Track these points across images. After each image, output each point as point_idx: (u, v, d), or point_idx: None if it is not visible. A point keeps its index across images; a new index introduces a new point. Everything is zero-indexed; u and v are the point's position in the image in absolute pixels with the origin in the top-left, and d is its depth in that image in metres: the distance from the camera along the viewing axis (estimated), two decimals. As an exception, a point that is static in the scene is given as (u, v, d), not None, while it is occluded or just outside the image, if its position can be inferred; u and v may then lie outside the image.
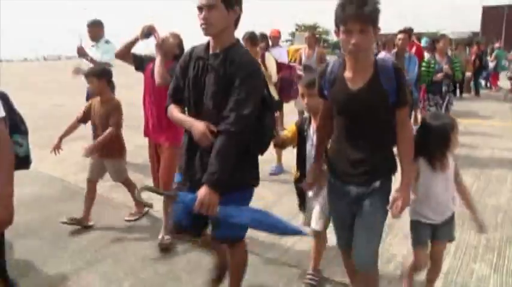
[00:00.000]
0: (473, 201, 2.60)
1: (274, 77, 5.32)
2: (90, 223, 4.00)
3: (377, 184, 2.20)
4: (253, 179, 2.40)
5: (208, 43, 2.29)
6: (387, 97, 2.08)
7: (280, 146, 2.97)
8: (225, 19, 2.17)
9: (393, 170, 2.24)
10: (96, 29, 5.78)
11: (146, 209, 4.22)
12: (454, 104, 6.16)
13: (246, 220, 2.26)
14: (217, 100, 2.19)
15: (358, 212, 2.26)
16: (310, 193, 2.82)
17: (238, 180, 2.27)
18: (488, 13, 51.46)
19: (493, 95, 13.60)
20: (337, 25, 2.04)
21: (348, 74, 2.15)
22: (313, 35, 8.64)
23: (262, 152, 2.43)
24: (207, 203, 2.11)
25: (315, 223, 2.82)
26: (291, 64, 5.71)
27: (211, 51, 2.26)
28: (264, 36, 7.31)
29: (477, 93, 13.44)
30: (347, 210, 2.32)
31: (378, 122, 2.15)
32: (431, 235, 2.55)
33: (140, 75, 3.68)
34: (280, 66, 5.53)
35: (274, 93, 5.13)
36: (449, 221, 2.55)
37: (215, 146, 2.12)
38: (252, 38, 5.21)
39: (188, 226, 2.44)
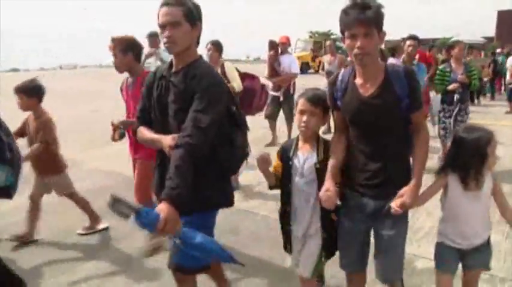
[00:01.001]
0: None
1: (238, 88, 5.07)
2: (36, 238, 4.02)
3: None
4: (224, 199, 2.33)
5: (171, 62, 2.26)
6: (400, 102, 2.04)
7: (276, 186, 2.47)
8: (189, 36, 2.15)
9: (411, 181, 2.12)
10: (155, 39, 6.74)
11: (102, 226, 4.22)
12: (470, 113, 5.85)
13: (199, 243, 2.05)
14: (181, 118, 2.11)
15: (376, 228, 2.20)
16: (296, 232, 2.42)
17: (208, 200, 2.21)
18: (503, 17, 50.66)
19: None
20: (342, 31, 2.03)
21: (358, 80, 2.12)
22: (334, 42, 8.70)
23: (233, 173, 2.39)
24: (170, 221, 1.92)
25: (303, 268, 2.43)
26: (254, 74, 5.53)
27: (173, 69, 2.22)
28: (273, 44, 7.23)
29: (493, 97, 13.52)
30: (361, 225, 2.24)
31: (392, 129, 2.11)
32: (460, 261, 2.32)
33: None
34: (242, 76, 5.31)
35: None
36: (481, 248, 2.28)
37: (172, 160, 2.02)
38: (216, 44, 5.19)
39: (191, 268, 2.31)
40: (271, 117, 7.53)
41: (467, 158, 2.15)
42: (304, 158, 2.33)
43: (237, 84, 5.05)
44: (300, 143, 2.37)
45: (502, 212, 2.28)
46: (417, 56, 7.12)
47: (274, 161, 2.41)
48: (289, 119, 7.32)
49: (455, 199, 2.23)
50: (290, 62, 7.32)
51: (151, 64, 6.62)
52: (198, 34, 2.22)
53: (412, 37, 6.02)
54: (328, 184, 2.12)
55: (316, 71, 29.61)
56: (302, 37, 36.87)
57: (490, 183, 2.23)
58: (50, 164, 3.91)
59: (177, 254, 2.25)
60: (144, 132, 2.31)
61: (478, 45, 18.05)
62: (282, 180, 2.40)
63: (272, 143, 7.38)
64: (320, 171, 2.25)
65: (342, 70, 2.28)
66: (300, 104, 2.31)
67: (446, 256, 2.32)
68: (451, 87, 5.55)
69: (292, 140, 2.45)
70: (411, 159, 2.17)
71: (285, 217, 2.45)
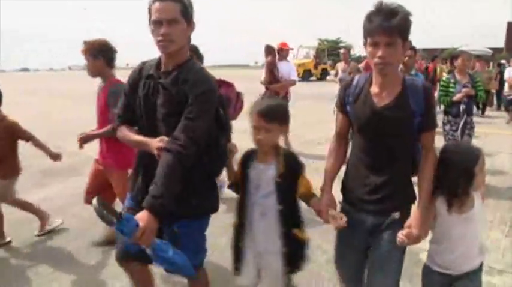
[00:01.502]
0: None
1: None
2: (7, 240, 3.96)
3: (396, 215, 2.02)
4: (213, 206, 2.23)
5: (159, 60, 2.11)
6: (414, 118, 1.95)
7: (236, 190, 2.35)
8: (185, 35, 2.03)
9: (414, 200, 2.06)
10: None
11: (56, 224, 4.22)
12: (475, 127, 5.55)
13: (170, 258, 1.96)
14: (171, 122, 2.00)
15: (374, 246, 2.08)
16: (254, 248, 2.29)
17: (197, 208, 2.13)
18: (513, 29, 50.32)
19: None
20: (364, 37, 1.91)
21: (374, 89, 2.01)
22: (348, 51, 8.70)
23: (217, 175, 2.27)
24: (147, 232, 1.82)
25: (246, 277, 2.31)
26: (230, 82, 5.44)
27: (163, 69, 2.08)
28: (270, 49, 7.03)
29: (499, 107, 13.53)
30: (360, 242, 2.13)
31: (400, 143, 2.01)
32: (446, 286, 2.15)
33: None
34: (218, 83, 5.12)
35: None
36: (472, 275, 2.12)
37: (160, 166, 1.90)
38: (192, 50, 4.96)
39: (137, 253, 2.11)
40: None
41: (455, 178, 2.01)
42: (262, 169, 2.21)
43: None
44: (259, 154, 2.24)
45: None
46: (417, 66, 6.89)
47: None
48: None
49: (443, 221, 2.10)
50: (289, 69, 7.15)
51: None
52: (191, 33, 2.11)
53: (410, 47, 5.74)
54: (326, 187, 2.10)
55: (319, 79, 29.63)
56: (305, 44, 36.72)
57: (479, 202, 2.11)
58: (3, 167, 3.81)
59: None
60: (128, 133, 2.17)
61: (486, 56, 17.74)
62: (242, 186, 2.27)
63: None
64: (280, 185, 2.15)
65: (357, 76, 2.17)
66: (253, 119, 2.15)
67: (434, 280, 2.18)
68: (456, 97, 5.24)
69: (252, 151, 2.30)
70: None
71: (241, 231, 2.29)
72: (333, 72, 11.32)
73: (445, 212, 2.07)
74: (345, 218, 2.03)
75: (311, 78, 29.66)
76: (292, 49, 7.61)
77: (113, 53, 3.39)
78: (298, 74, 7.57)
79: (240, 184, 2.28)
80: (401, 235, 1.93)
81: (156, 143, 1.96)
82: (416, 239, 1.93)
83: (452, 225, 2.07)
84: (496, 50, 31.77)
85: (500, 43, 50.75)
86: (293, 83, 7.24)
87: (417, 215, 1.96)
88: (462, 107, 5.24)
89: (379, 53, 1.84)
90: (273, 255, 2.22)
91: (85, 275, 3.38)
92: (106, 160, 3.46)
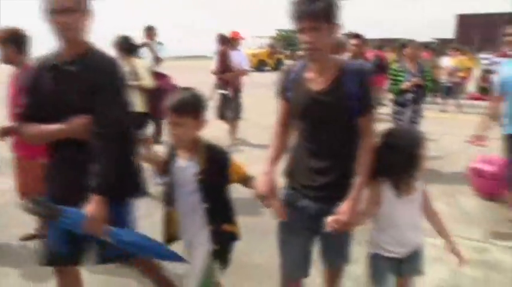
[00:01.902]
0: (448, 230, 2.21)
1: (149, 84, 4.89)
2: None
3: (340, 203, 1.97)
4: (134, 189, 2.26)
5: (59, 50, 2.08)
6: (350, 101, 1.93)
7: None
8: (83, 21, 2.03)
9: None
10: (150, 32, 7.51)
11: None
12: (423, 115, 5.59)
13: (130, 240, 2.07)
14: (80, 110, 2.02)
15: (321, 233, 2.08)
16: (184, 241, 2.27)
17: (118, 191, 2.08)
18: (464, 21, 52.41)
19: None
20: (293, 24, 1.90)
21: (310, 75, 2.01)
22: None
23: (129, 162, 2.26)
24: (98, 218, 1.94)
25: (186, 283, 2.28)
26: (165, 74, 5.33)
27: (65, 59, 2.05)
28: (223, 38, 6.84)
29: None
30: (304, 229, 2.11)
31: (341, 128, 2.00)
32: (394, 271, 2.17)
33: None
34: (154, 76, 5.12)
35: (142, 105, 4.83)
36: (416, 254, 2.18)
37: (95, 151, 1.99)
38: (122, 42, 4.91)
39: (67, 254, 2.14)
40: (225, 118, 7.12)
41: (400, 162, 2.01)
42: (184, 167, 2.16)
43: (147, 81, 4.89)
44: (179, 151, 2.20)
45: (428, 215, 2.19)
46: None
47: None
48: (234, 118, 7.01)
49: (390, 206, 2.08)
50: (240, 58, 6.97)
51: (144, 55, 6.91)
52: (89, 21, 2.09)
53: (356, 35, 5.72)
54: (268, 168, 2.05)
55: (274, 69, 29.58)
56: (259, 34, 36.54)
57: (421, 185, 2.13)
58: None
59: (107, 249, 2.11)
60: (39, 128, 2.08)
61: (434, 46, 18.12)
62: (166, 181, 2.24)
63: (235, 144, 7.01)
64: (203, 182, 2.12)
65: (298, 61, 2.16)
66: (168, 114, 2.10)
67: (383, 267, 2.17)
68: (404, 85, 5.25)
69: (171, 150, 2.26)
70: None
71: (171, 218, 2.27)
72: (290, 62, 11.11)
73: (392, 196, 2.06)
74: (286, 211, 2.03)
75: (266, 68, 29.52)
76: (244, 38, 7.40)
77: (24, 40, 3.30)
78: (253, 64, 7.39)
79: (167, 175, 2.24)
80: (330, 220, 1.90)
81: (78, 120, 2.00)
82: (346, 226, 1.92)
83: (399, 209, 2.07)
84: (445, 41, 32.89)
85: (450, 35, 52.76)
86: (244, 72, 7.10)
87: (349, 201, 1.94)
88: (410, 96, 5.25)
89: (306, 38, 1.83)
90: (200, 249, 2.19)
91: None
92: (20, 149, 3.33)
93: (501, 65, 3.80)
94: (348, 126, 1.99)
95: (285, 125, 2.18)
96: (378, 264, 2.18)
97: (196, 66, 21.45)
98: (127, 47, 4.92)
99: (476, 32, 46.85)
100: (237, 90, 6.99)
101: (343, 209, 1.92)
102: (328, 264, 2.35)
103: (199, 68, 11.05)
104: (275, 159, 2.13)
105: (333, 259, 2.32)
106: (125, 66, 4.54)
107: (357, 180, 1.98)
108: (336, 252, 2.28)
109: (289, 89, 2.07)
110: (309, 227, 2.11)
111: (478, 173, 4.73)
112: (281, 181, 2.16)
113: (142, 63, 5.17)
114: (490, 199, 4.67)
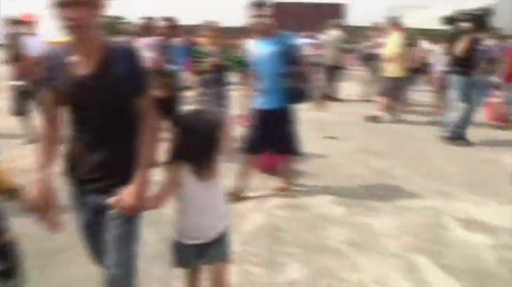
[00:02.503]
0: None
1: None
2: None
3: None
4: None
5: (70, 50, 1.87)
6: (122, 84, 1.83)
7: None
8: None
9: None
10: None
11: None
12: (228, 96, 5.79)
13: None
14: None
15: (105, 226, 1.97)
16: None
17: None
18: (281, 7, 56.62)
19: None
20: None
21: (74, 58, 1.85)
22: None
23: None
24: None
25: None
26: None
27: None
28: (13, 22, 6.07)
29: None
30: (90, 223, 2.04)
31: (115, 113, 1.89)
32: (200, 257, 2.15)
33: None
34: None
35: None
36: (220, 240, 2.16)
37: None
38: None
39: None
40: (22, 113, 6.32)
41: (198, 145, 1.97)
42: None
43: None
44: None
45: None
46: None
47: None
48: (30, 112, 6.32)
49: (190, 191, 2.03)
50: (35, 45, 6.22)
51: None
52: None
53: (167, 19, 5.63)
54: (40, 175, 1.89)
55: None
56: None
57: (221, 168, 2.11)
58: None
59: None
60: None
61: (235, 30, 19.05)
62: None
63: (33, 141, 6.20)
64: None
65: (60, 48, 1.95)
66: None
67: (185, 254, 2.14)
68: (204, 66, 5.38)
69: None
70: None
71: None
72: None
73: (192, 180, 2.01)
74: (61, 223, 1.93)
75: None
76: (37, 21, 6.63)
77: None
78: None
79: None
80: (113, 201, 1.85)
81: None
82: (132, 209, 1.87)
83: (201, 193, 2.04)
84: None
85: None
86: (38, 60, 6.34)
87: (133, 184, 1.88)
88: (209, 77, 5.39)
89: (69, 14, 1.68)
90: None
91: None
92: None
93: (253, 45, 3.98)
94: (122, 111, 1.91)
95: (54, 119, 2.01)
96: (180, 251, 2.15)
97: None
98: None
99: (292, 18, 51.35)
100: (34, 81, 6.25)
101: (127, 192, 1.86)
102: (109, 274, 2.02)
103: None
104: (47, 161, 1.96)
105: (112, 266, 1.98)
106: None
107: (141, 164, 1.91)
108: (116, 256, 1.98)
109: (53, 77, 1.89)
110: (95, 220, 2.02)
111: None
112: (60, 181, 2.03)
113: None
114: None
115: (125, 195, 1.86)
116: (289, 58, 3.82)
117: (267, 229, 3.68)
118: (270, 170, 4.81)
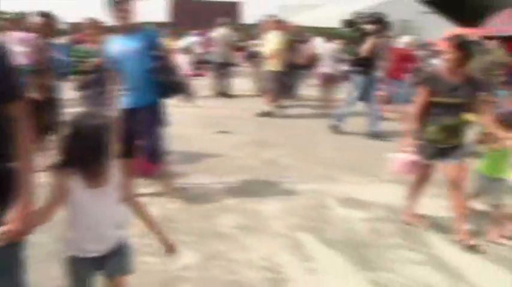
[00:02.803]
0: (154, 220, 2.15)
1: None
2: None
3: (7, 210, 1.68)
4: None
5: None
6: None
7: None
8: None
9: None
10: None
11: None
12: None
13: None
14: None
15: None
16: None
17: None
18: (178, 4, 55.58)
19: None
20: None
21: None
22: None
23: None
24: None
25: None
26: None
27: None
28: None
29: None
30: None
31: None
32: (97, 271, 2.02)
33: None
34: None
35: None
36: (120, 251, 2.04)
37: None
38: None
39: None
40: None
41: (84, 150, 1.80)
42: None
43: None
44: None
45: (130, 206, 2.04)
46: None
47: None
48: None
49: (79, 200, 1.87)
50: None
51: None
52: None
53: (44, 14, 5.28)
54: None
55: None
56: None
57: (118, 175, 1.95)
58: None
59: None
60: None
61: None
62: None
63: None
64: None
65: None
66: None
67: (79, 268, 1.98)
68: (86, 66, 5.08)
69: None
70: None
71: None
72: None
73: (81, 188, 1.86)
74: None
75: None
76: None
77: None
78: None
79: None
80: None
81: None
82: (19, 234, 1.68)
83: (91, 202, 1.89)
84: (161, 24, 34.36)
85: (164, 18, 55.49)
86: None
87: (18, 205, 1.68)
88: (91, 77, 5.15)
89: None
90: None
91: None
92: None
93: (114, 42, 3.91)
94: None
95: None
96: (73, 267, 1.98)
97: None
98: None
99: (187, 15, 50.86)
100: None
101: (14, 216, 1.66)
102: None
103: None
104: None
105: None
106: None
107: (21, 179, 1.70)
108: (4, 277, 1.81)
109: None
110: None
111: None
112: None
113: None
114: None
115: (10, 224, 1.66)
116: (155, 53, 3.78)
117: (160, 221, 3.64)
118: (147, 174, 4.35)
